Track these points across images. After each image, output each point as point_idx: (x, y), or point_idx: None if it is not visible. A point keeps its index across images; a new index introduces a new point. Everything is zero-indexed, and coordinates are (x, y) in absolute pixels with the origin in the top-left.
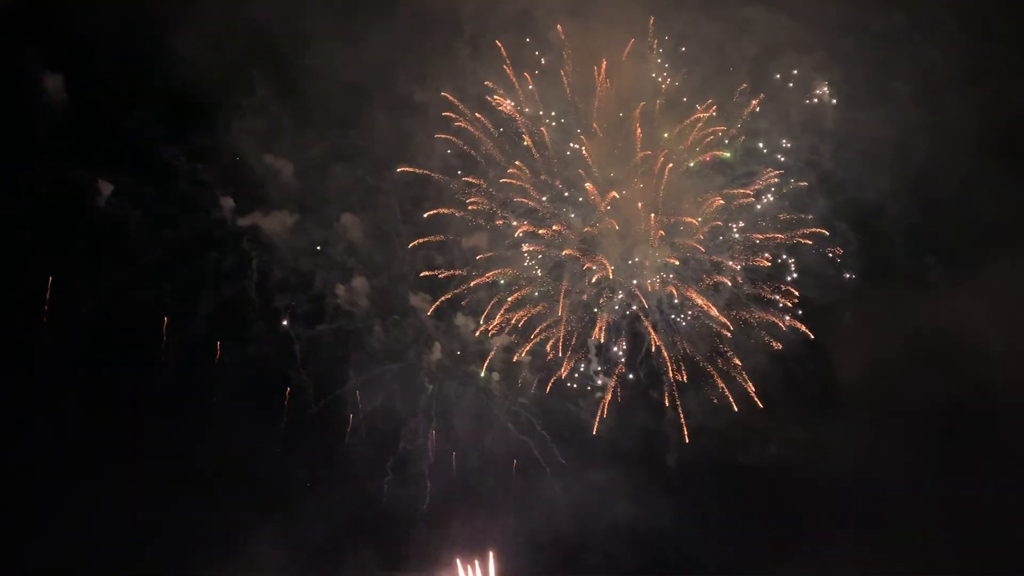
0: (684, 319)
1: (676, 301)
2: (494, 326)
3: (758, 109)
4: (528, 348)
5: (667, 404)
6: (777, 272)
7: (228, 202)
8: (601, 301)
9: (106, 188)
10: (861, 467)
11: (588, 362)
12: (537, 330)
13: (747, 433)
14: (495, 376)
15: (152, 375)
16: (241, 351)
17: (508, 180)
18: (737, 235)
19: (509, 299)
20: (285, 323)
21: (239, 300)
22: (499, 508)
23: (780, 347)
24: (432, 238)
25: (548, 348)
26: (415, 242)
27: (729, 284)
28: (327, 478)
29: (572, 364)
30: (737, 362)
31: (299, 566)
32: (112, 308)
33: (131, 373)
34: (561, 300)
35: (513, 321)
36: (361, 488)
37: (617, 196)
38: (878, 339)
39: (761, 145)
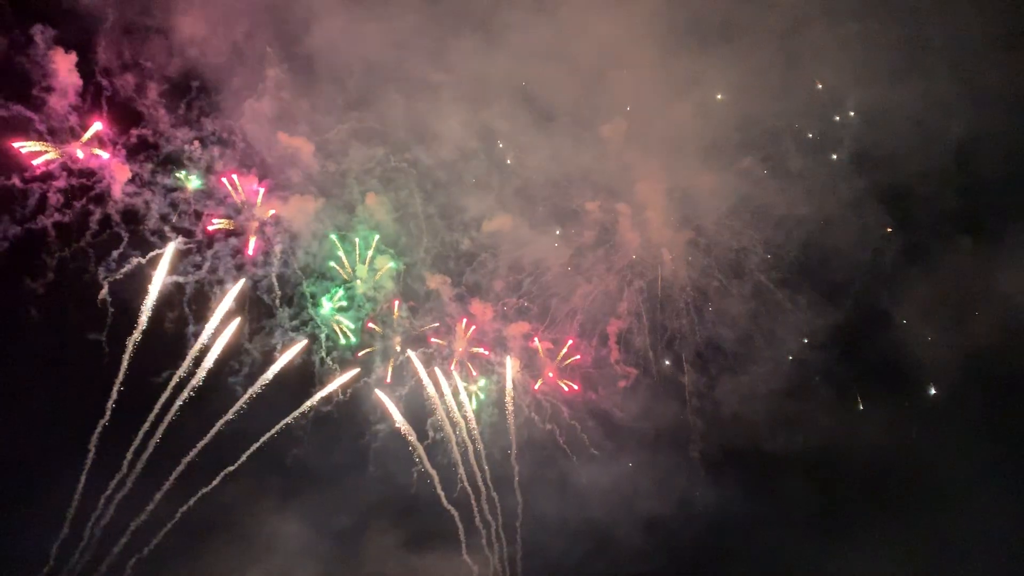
0: (709, 305)
1: (698, 288)
2: (512, 311)
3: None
4: (547, 335)
5: (693, 392)
6: (805, 255)
7: (247, 186)
8: (623, 288)
9: (122, 174)
10: (901, 453)
11: (609, 350)
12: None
13: (779, 420)
14: (514, 364)
15: (175, 364)
16: (266, 340)
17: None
18: (762, 219)
19: (528, 284)
20: (310, 310)
21: (262, 287)
22: (527, 495)
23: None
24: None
25: (568, 336)
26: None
27: (755, 269)
28: (354, 466)
29: (594, 352)
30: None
31: (323, 549)
32: (131, 297)
33: (153, 362)
34: (581, 286)
35: (532, 307)
36: (389, 475)
37: (639, 183)
38: (915, 322)
39: (787, 123)
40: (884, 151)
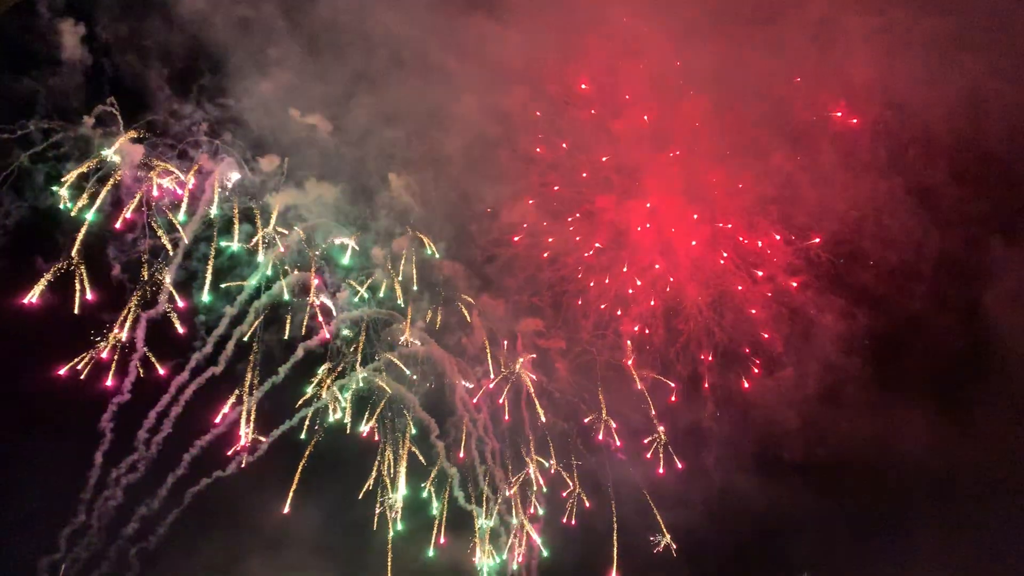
0: (728, 309)
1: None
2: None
3: None
4: (560, 335)
5: (712, 396)
6: (836, 255)
7: (264, 168)
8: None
9: (135, 155)
10: (946, 462)
11: (623, 352)
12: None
13: (812, 428)
14: (520, 361)
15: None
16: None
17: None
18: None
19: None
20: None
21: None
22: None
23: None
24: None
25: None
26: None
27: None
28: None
29: (608, 354)
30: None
31: (334, 539)
32: (147, 280)
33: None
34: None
35: (543, 305)
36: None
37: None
38: (962, 320)
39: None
40: (918, 149)
